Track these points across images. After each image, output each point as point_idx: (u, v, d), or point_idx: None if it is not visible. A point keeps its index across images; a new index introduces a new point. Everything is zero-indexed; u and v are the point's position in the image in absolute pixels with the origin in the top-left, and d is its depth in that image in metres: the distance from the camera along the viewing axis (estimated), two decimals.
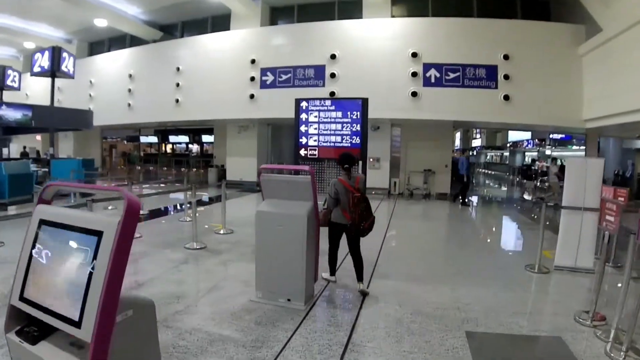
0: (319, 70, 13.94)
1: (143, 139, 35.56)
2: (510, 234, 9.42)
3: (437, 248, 7.57)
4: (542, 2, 14.72)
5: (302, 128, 9.49)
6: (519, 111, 12.86)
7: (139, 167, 30.85)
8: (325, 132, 9.36)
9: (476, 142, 52.07)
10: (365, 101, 9.08)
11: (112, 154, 41.56)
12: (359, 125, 9.09)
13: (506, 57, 12.84)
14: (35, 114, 12.18)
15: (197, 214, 9.12)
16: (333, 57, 13.86)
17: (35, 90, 21.95)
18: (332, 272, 5.07)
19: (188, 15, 18.50)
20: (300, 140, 9.51)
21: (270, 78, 14.63)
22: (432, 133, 15.02)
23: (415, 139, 15.31)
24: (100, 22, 17.73)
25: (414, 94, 13.09)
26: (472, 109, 13.03)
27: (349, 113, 9.16)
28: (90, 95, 19.69)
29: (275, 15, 16.95)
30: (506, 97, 12.77)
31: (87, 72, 19.78)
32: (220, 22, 17.28)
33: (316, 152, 9.39)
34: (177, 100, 16.44)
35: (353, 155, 4.91)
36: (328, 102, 9.36)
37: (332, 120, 9.29)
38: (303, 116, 9.47)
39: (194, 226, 6.76)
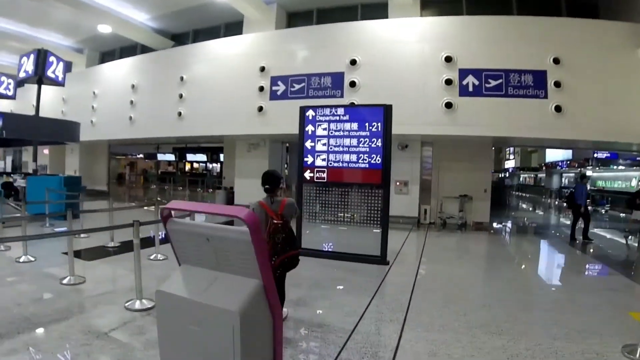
0: (337, 78, 12.00)
1: (160, 157, 34.48)
2: (589, 290, 6.48)
3: (484, 313, 5.26)
4: None
5: (308, 144, 7.47)
6: (573, 124, 10.60)
7: (154, 186, 29.62)
8: (336, 149, 7.30)
9: (509, 163, 49.07)
10: (388, 109, 7.02)
11: (131, 171, 40.94)
12: (379, 140, 7.01)
13: (556, 60, 10.68)
14: (6, 124, 10.59)
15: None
16: (353, 62, 11.90)
17: (44, 100, 20.81)
18: None
19: (199, 23, 17.12)
20: (306, 159, 7.48)
21: (281, 88, 12.78)
22: (469, 152, 12.91)
23: (449, 159, 13.15)
24: (104, 29, 16.50)
25: (449, 105, 10.97)
26: (517, 122, 10.83)
27: (367, 125, 7.09)
28: (92, 107, 18.31)
29: (292, 22, 15.29)
30: (558, 108, 10.54)
31: (92, 81, 18.66)
32: (234, 29, 15.72)
33: (325, 175, 7.35)
34: (179, 114, 14.77)
35: (276, 175, 4.13)
36: (341, 111, 7.31)
37: (346, 133, 7.24)
38: (309, 128, 7.46)
39: (136, 277, 4.79)
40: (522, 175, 48.79)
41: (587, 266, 8.43)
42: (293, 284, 5.49)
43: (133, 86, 16.70)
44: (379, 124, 6.99)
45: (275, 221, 3.82)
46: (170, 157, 33.31)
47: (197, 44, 15.50)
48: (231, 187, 16.16)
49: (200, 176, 30.06)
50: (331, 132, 7.30)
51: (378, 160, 6.99)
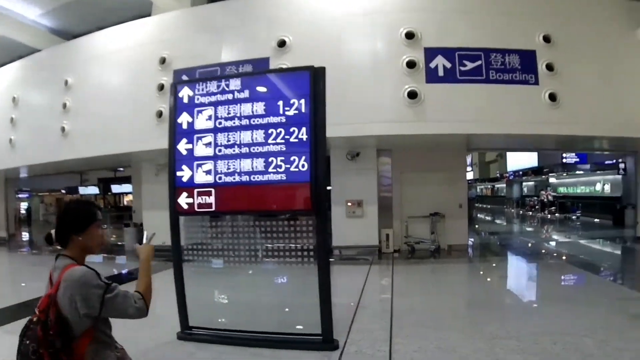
0: (260, 65, 8.85)
1: (82, 190, 29.74)
2: None
3: None
4: None
5: (183, 147, 4.20)
6: (571, 117, 8.31)
7: None
8: (229, 151, 4.07)
9: (468, 175, 47.56)
10: (318, 74, 3.87)
11: (57, 209, 36.04)
12: (305, 130, 3.85)
13: (547, 39, 8.48)
14: None
15: None
16: (282, 44, 8.84)
17: None
18: None
19: (103, 19, 13.47)
20: (179, 174, 4.20)
21: None
22: (439, 158, 10.32)
23: (414, 168, 10.40)
24: None
25: (412, 94, 8.14)
26: (503, 114, 8.29)
27: (281, 104, 3.93)
28: None
29: None
30: (552, 97, 8.20)
31: None
32: None
33: (212, 200, 4.10)
34: (62, 129, 11.12)
35: (70, 208, 1.83)
36: (235, 83, 4.04)
37: (245, 122, 4.02)
38: (184, 119, 4.20)
39: None
40: (478, 187, 47.69)
41: None
42: None
43: (14, 99, 12.89)
44: (303, 102, 3.83)
45: (37, 309, 1.63)
46: (94, 190, 28.74)
47: (86, 37, 11.96)
48: (141, 223, 12.54)
49: (128, 210, 25.77)
50: (220, 122, 4.06)
51: (303, 165, 3.79)
